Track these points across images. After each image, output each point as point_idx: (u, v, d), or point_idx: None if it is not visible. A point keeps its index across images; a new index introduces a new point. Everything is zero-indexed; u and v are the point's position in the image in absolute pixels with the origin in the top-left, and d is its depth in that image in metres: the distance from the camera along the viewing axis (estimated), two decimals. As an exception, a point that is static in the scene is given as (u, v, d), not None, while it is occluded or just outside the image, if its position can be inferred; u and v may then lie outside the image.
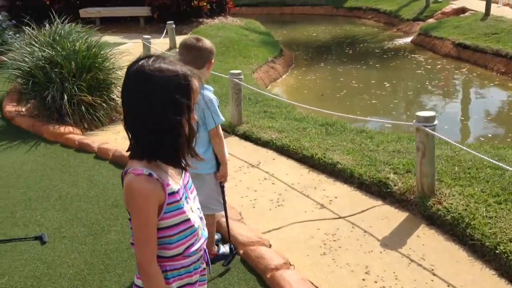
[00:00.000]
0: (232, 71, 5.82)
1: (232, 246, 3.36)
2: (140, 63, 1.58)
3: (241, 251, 3.37)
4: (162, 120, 1.56)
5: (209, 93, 2.98)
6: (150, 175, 1.58)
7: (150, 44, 9.27)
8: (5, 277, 3.24)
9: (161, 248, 1.66)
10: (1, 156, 5.38)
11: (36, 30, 6.87)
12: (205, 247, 1.84)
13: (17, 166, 5.06)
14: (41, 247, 3.57)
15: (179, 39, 12.86)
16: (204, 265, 1.86)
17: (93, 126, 6.08)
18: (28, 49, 6.30)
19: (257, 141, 5.45)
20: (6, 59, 6.85)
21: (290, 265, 3.24)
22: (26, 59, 6.20)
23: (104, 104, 6.12)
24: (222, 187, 3.18)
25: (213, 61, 2.98)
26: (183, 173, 1.76)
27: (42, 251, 3.51)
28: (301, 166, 4.82)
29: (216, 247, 3.37)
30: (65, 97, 5.89)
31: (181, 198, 1.67)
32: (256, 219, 3.88)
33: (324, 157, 4.72)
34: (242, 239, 3.42)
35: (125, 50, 11.45)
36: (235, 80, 5.70)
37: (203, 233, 1.81)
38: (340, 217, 3.86)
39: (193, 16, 14.87)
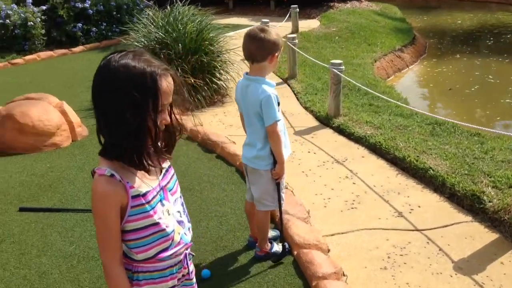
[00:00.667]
0: (332, 61, 5.59)
1: (286, 245, 3.24)
2: (108, 57, 1.51)
3: (295, 253, 3.23)
4: (122, 119, 1.48)
5: (268, 88, 2.83)
6: (112, 176, 1.52)
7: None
8: (73, 245, 3.49)
9: (131, 251, 1.62)
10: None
11: (158, 11, 7.24)
12: (187, 251, 1.76)
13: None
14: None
15: (305, 23, 12.81)
16: (186, 270, 1.77)
17: (194, 107, 6.27)
18: (143, 30, 6.68)
19: (350, 136, 5.18)
20: (122, 40, 7.34)
21: (343, 275, 3.02)
22: (141, 39, 6.59)
23: (206, 87, 6.27)
24: (278, 184, 3.05)
25: (277, 54, 2.82)
26: (162, 174, 1.69)
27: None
28: (390, 168, 4.47)
29: (269, 244, 3.28)
30: (170, 77, 6.14)
31: (149, 201, 1.59)
32: (324, 220, 3.69)
33: (417, 161, 4.32)
34: (298, 240, 3.28)
35: (242, 34, 11.71)
36: (334, 70, 5.46)
37: (184, 237, 1.72)
38: (416, 230, 3.50)
39: (324, 0, 14.61)
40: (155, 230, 1.61)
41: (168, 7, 7.24)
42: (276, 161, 2.95)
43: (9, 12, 9.84)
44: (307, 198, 3.99)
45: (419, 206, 3.80)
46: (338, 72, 5.45)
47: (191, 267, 1.82)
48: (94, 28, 11.00)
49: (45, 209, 3.98)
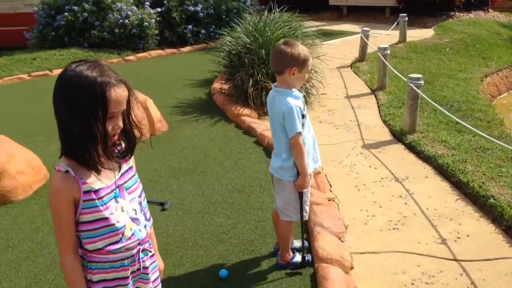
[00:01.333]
0: (411, 75, 5.38)
1: (306, 257, 3.25)
2: (69, 65, 1.69)
3: (316, 265, 3.23)
4: (71, 124, 1.66)
5: (292, 100, 2.85)
6: (67, 172, 1.71)
7: (368, 36, 9.10)
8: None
9: (83, 241, 1.80)
10: (186, 124, 6.18)
11: (255, 17, 7.52)
12: (141, 247, 1.89)
13: (189, 137, 5.77)
14: (159, 213, 4.07)
15: (417, 32, 12.33)
16: (138, 265, 1.91)
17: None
18: (233, 35, 6.99)
19: (419, 154, 4.97)
20: (213, 44, 7.72)
21: (356, 295, 2.97)
22: (228, 43, 6.90)
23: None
24: (301, 196, 3.08)
25: (295, 68, 2.81)
26: (120, 173, 1.84)
27: (158, 217, 4.00)
28: (451, 191, 4.23)
29: (291, 254, 3.31)
30: (250, 81, 6.36)
31: (101, 197, 1.76)
32: (360, 237, 3.62)
33: (480, 187, 4.04)
34: (321, 253, 3.27)
35: (344, 42, 11.59)
36: (411, 85, 5.25)
37: (137, 233, 1.87)
38: (454, 259, 3.30)
39: (443, 9, 13.92)
40: (104, 224, 1.78)
41: (266, 12, 7.48)
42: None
43: (129, 13, 10.81)
44: (350, 213, 3.94)
45: (467, 235, 3.56)
46: (415, 87, 5.24)
47: (147, 263, 1.95)
48: (203, 30, 11.64)
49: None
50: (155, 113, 5.94)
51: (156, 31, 11.09)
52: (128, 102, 1.79)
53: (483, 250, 3.38)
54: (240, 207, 4.10)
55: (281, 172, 3.04)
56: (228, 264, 3.35)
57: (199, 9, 11.39)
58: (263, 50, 6.52)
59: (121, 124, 1.75)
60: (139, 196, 1.94)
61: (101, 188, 1.78)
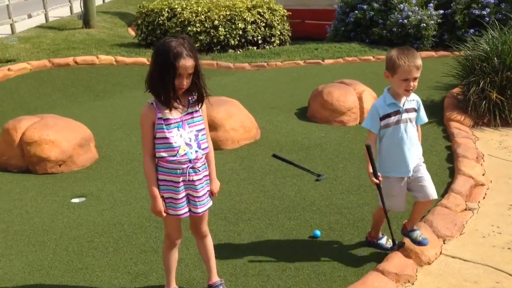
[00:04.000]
0: None
1: (398, 242, 3.56)
2: (166, 37, 2.74)
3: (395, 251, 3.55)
4: (155, 73, 2.71)
5: (378, 100, 3.39)
6: (152, 103, 2.80)
7: None
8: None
9: (155, 150, 2.85)
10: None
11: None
12: (191, 164, 2.85)
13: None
14: (313, 183, 4.88)
15: None
16: (187, 177, 2.86)
17: (495, 124, 6.23)
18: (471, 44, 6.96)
19: None
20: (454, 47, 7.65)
21: (408, 282, 3.25)
22: (468, 52, 6.89)
23: (508, 105, 6.12)
24: (378, 188, 3.38)
25: (386, 71, 3.22)
26: (186, 112, 2.82)
27: (311, 185, 4.81)
28: None
29: (380, 235, 3.70)
30: (474, 88, 6.33)
31: (168, 124, 2.78)
32: (467, 243, 3.69)
33: None
34: (406, 243, 3.56)
35: None
36: None
37: (189, 154, 2.83)
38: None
39: None
40: (165, 142, 2.82)
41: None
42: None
43: (410, 13, 11.33)
44: (479, 225, 3.95)
45: None
46: None
47: (195, 178, 2.89)
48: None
49: (291, 162, 5.39)
50: (368, 104, 6.59)
51: (434, 33, 11.29)
52: (196, 69, 2.77)
53: None
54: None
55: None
56: (328, 228, 3.97)
57: (485, 13, 11.02)
58: (496, 59, 6.34)
59: (185, 83, 2.73)
60: (197, 131, 2.90)
61: (169, 119, 2.82)
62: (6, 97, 8.45)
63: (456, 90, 7.43)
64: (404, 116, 3.28)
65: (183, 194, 2.93)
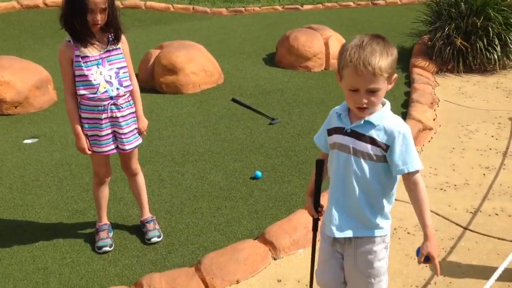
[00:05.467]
0: None
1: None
2: None
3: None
4: (68, 12, 2.71)
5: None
6: (69, 41, 2.79)
7: None
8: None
9: (76, 88, 2.86)
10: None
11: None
12: (112, 101, 2.87)
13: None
14: (266, 126, 4.91)
15: None
16: (116, 114, 2.90)
17: (458, 70, 6.22)
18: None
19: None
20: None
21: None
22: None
23: (471, 52, 6.09)
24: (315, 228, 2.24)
25: (337, 72, 1.96)
26: (105, 50, 2.82)
27: (264, 129, 4.85)
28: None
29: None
30: (438, 34, 6.29)
31: (86, 62, 2.78)
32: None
33: None
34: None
35: None
36: None
37: (110, 91, 2.85)
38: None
39: None
40: (85, 79, 2.82)
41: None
42: None
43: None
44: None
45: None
46: None
47: (118, 114, 2.91)
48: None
49: (249, 107, 5.40)
50: (334, 51, 6.54)
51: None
52: (110, 6, 2.76)
53: (506, 232, 3.17)
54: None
55: None
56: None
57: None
58: (463, 4, 6.26)
59: (99, 18, 2.72)
60: (118, 68, 2.90)
61: (87, 56, 2.81)
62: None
63: (426, 37, 7.37)
64: (346, 141, 1.93)
65: (108, 131, 2.96)
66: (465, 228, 3.24)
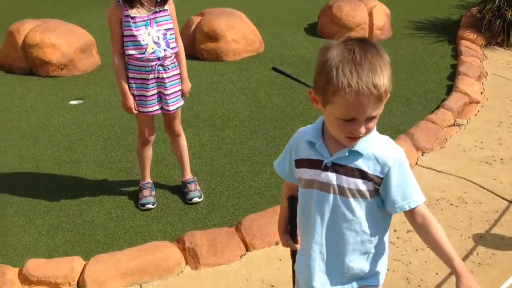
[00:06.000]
0: None
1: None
2: None
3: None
4: None
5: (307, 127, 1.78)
6: (118, 1, 2.83)
7: None
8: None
9: (124, 49, 2.91)
10: (408, 38, 6.43)
11: None
12: (159, 62, 2.91)
13: (402, 48, 6.08)
14: (307, 95, 4.89)
15: None
16: (155, 75, 2.94)
17: (508, 44, 6.02)
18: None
19: None
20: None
21: None
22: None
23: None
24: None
25: (315, 94, 1.51)
26: (153, 11, 2.85)
27: (304, 97, 4.83)
28: None
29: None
30: (489, 6, 6.07)
31: (135, 22, 2.82)
32: (443, 154, 3.72)
33: None
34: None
35: None
36: None
37: (157, 52, 2.89)
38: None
39: None
40: (134, 39, 2.87)
41: None
42: None
43: None
44: (462, 137, 3.94)
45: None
46: None
47: (164, 75, 2.96)
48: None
49: (289, 75, 5.38)
50: (380, 21, 6.40)
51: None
52: None
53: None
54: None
55: None
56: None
57: None
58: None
59: None
60: (166, 30, 2.93)
61: (136, 16, 2.85)
62: (18, 2, 8.56)
63: (475, 8, 7.12)
64: (329, 178, 1.52)
65: (154, 91, 3.02)
66: (510, 202, 3.19)
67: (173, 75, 3.04)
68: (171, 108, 3.09)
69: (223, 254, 2.81)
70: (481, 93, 4.74)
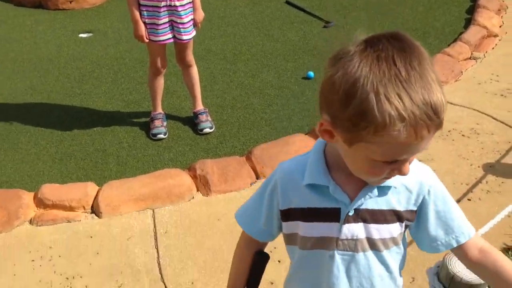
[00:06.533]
0: None
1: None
2: None
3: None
4: None
5: (291, 160, 1.45)
6: None
7: None
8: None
9: None
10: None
11: None
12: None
13: None
14: (320, 29, 4.80)
15: None
16: (175, 3, 2.91)
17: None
18: None
19: None
20: None
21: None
22: None
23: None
24: None
25: (330, 124, 1.05)
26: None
27: (317, 31, 4.74)
28: None
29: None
30: None
31: None
32: (458, 87, 3.67)
33: None
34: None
35: None
36: None
37: None
38: None
39: None
40: None
41: None
42: None
43: None
44: (478, 70, 3.88)
45: None
46: None
47: (177, 3, 2.92)
48: None
49: (303, 9, 5.26)
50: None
51: None
52: None
53: None
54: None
55: None
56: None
57: None
58: None
59: None
60: None
61: None
62: None
63: None
64: (354, 232, 1.10)
65: (165, 20, 2.98)
66: None
67: (187, 3, 2.99)
68: (184, 37, 3.06)
69: (234, 182, 2.86)
70: (500, 26, 4.61)
